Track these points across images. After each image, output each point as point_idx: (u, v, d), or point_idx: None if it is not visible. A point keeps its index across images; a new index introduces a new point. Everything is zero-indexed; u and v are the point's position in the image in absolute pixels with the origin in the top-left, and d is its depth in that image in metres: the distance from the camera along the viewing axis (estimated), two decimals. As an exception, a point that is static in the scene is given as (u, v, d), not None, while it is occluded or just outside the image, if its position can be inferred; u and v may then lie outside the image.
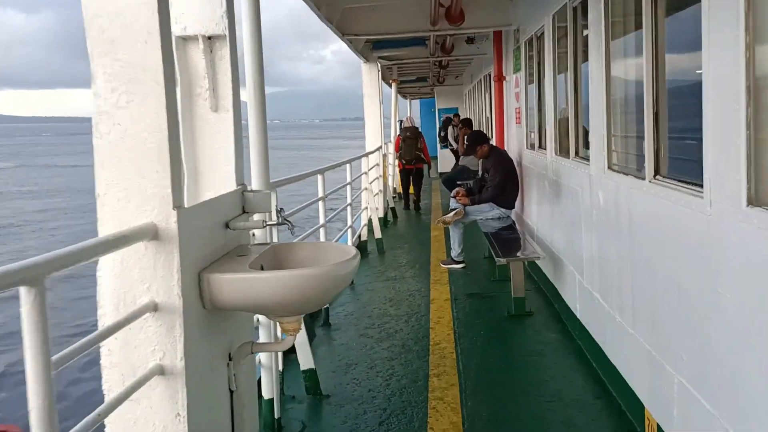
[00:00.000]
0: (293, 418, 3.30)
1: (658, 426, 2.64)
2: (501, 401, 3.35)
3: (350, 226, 6.23)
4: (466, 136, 10.43)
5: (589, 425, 3.03)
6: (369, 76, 9.53)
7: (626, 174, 2.97)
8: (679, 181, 2.42)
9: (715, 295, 2.10)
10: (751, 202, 1.80)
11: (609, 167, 3.25)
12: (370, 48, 8.92)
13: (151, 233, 1.82)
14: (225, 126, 2.54)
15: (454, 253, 6.43)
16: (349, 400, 3.48)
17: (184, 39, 2.51)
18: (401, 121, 12.36)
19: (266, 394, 3.12)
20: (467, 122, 10.76)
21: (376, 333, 4.60)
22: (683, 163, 2.58)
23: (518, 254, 4.86)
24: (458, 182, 9.65)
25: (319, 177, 4.84)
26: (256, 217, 2.79)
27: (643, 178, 2.72)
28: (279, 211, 2.33)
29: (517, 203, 6.46)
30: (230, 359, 2.23)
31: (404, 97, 23.02)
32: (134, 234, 1.78)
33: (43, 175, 41.23)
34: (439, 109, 18.74)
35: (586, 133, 4.00)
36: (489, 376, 3.72)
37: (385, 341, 4.42)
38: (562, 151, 4.63)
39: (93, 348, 1.66)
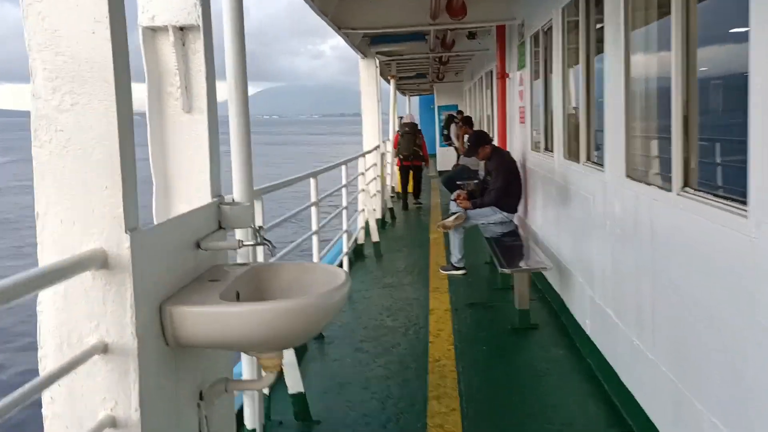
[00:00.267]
0: None
1: (685, 467, 2.36)
2: (506, 429, 3.07)
3: (345, 231, 5.94)
4: (467, 137, 10.17)
5: None
6: (367, 71, 9.21)
7: (648, 183, 2.68)
8: (715, 195, 2.13)
9: (758, 329, 1.82)
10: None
11: (627, 175, 2.96)
12: (367, 43, 8.61)
13: (99, 261, 1.53)
14: (199, 129, 2.24)
15: (454, 259, 6.14)
16: (341, 426, 3.20)
17: (153, 30, 2.21)
18: (401, 117, 12.27)
19: (249, 424, 2.84)
20: (468, 121, 10.45)
21: (372, 347, 4.32)
22: (718, 175, 2.29)
23: (523, 264, 4.57)
24: (458, 182, 9.40)
25: (312, 181, 4.54)
26: (239, 234, 2.51)
27: (670, 190, 2.43)
28: (257, 230, 2.04)
29: (520, 207, 6.17)
30: (201, 398, 1.94)
31: (403, 93, 22.69)
32: (79, 262, 1.49)
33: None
34: (438, 107, 18.43)
35: (598, 135, 3.72)
36: (493, 398, 3.44)
37: (381, 357, 4.13)
38: (572, 154, 4.34)
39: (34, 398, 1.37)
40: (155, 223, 2.04)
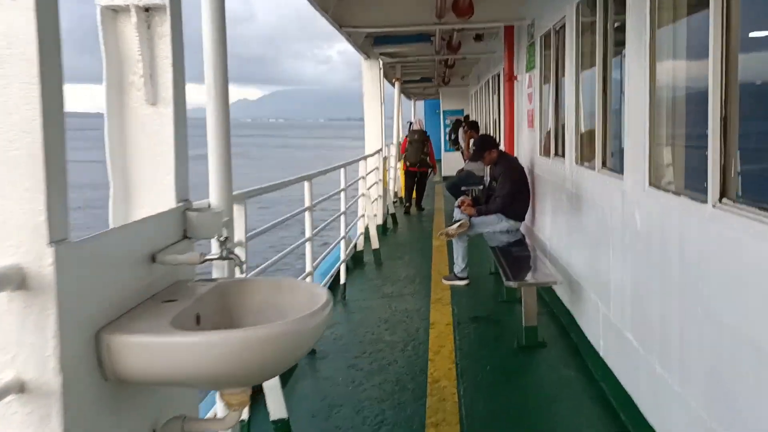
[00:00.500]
0: None
1: None
2: None
3: (343, 237, 5.64)
4: (472, 141, 9.87)
5: None
6: (370, 73, 8.92)
7: (677, 194, 2.38)
8: (760, 208, 1.82)
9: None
10: None
11: (651, 183, 2.66)
12: (370, 43, 8.33)
13: (15, 281, 1.23)
14: (165, 123, 1.95)
15: (457, 269, 5.83)
16: (328, 456, 2.90)
17: (114, 10, 1.93)
18: (410, 123, 12.25)
19: (223, 456, 2.53)
20: (473, 125, 10.15)
21: (366, 364, 4.01)
22: (764, 185, 1.99)
23: (531, 277, 4.26)
24: (463, 188, 9.08)
25: (306, 184, 4.24)
26: (215, 246, 2.21)
27: (704, 201, 2.12)
28: (223, 242, 1.74)
29: (528, 215, 5.86)
30: (154, 439, 1.64)
31: (408, 97, 22.41)
32: (-11, 282, 1.20)
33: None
34: (444, 111, 18.14)
35: (616, 139, 3.42)
36: (497, 426, 3.13)
37: (376, 375, 3.83)
38: (585, 160, 4.03)
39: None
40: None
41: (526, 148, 6.40)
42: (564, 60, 4.49)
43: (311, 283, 1.84)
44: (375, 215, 7.93)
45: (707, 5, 2.11)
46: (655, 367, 2.63)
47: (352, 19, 6.39)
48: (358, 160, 6.83)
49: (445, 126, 17.51)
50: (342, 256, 5.68)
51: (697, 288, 2.24)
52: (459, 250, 5.77)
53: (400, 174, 12.59)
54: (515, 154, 6.70)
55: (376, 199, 8.36)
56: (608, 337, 3.42)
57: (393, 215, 9.74)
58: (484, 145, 5.85)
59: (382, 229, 8.67)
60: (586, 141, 4.08)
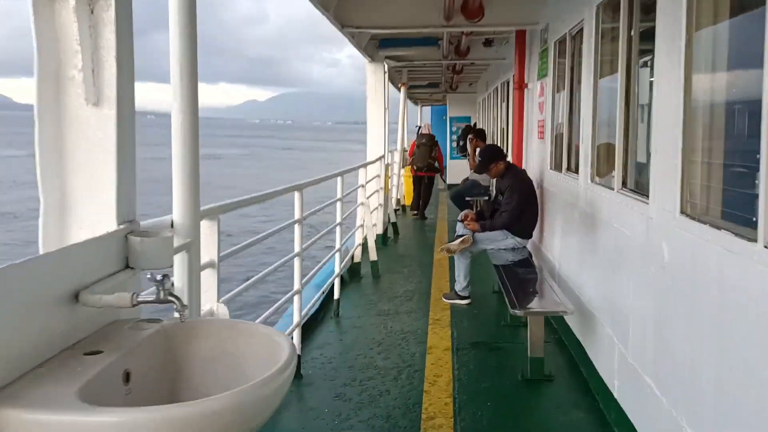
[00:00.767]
0: None
1: None
2: None
3: (338, 250, 5.29)
4: (478, 150, 9.50)
5: None
6: (374, 76, 8.58)
7: (717, 228, 2.02)
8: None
9: None
10: None
11: (683, 211, 2.30)
12: (375, 46, 8.00)
13: None
14: (107, 127, 1.62)
15: (458, 287, 5.48)
16: None
17: (49, -8, 1.60)
18: (419, 127, 12.20)
19: None
20: (480, 133, 9.77)
21: (356, 394, 3.66)
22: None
23: (538, 305, 3.90)
24: (467, 198, 8.72)
25: (296, 194, 3.90)
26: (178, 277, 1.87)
27: (753, 239, 1.77)
28: (159, 282, 1.40)
29: (535, 233, 5.50)
30: None
31: (415, 103, 22.11)
32: None
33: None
34: (450, 117, 17.80)
35: (639, 157, 3.07)
36: None
37: (365, 408, 3.48)
38: (602, 177, 3.68)
39: None
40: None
41: (535, 160, 6.05)
42: (580, 67, 4.14)
43: (271, 330, 1.50)
44: (374, 225, 7.59)
45: (762, 3, 1.77)
46: (681, 425, 2.27)
47: (355, 20, 6.06)
48: (357, 168, 6.49)
49: (452, 132, 17.17)
50: (336, 270, 5.33)
51: (740, 338, 1.88)
52: (461, 267, 5.42)
53: (404, 181, 12.26)
54: (523, 167, 6.35)
55: (377, 208, 8.02)
56: (624, 378, 3.06)
57: (394, 224, 9.38)
58: (491, 157, 5.50)
59: (382, 239, 8.33)
60: (602, 156, 3.73)
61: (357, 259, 6.70)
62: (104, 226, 1.62)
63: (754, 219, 1.78)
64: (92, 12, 1.60)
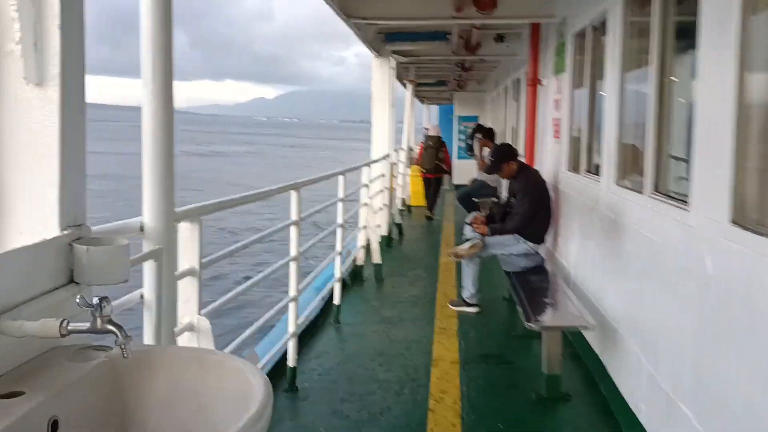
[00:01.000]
0: None
1: None
2: None
3: (339, 253, 4.99)
4: (486, 150, 9.17)
5: None
6: (380, 72, 8.25)
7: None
8: None
9: None
10: None
11: (734, 221, 1.99)
12: (382, 40, 7.68)
13: None
14: (51, 111, 1.33)
15: (466, 294, 5.17)
16: None
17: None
18: (427, 129, 12.26)
19: None
20: (489, 133, 9.40)
21: (355, 410, 3.37)
22: None
23: (554, 319, 3.59)
24: (474, 199, 8.40)
25: (293, 194, 3.60)
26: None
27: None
28: (97, 305, 1.10)
29: (548, 237, 5.19)
30: None
31: (421, 101, 21.77)
32: None
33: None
34: (458, 117, 17.45)
35: (675, 158, 2.76)
36: None
37: (365, 427, 3.19)
38: (629, 180, 3.37)
39: None
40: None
41: (549, 160, 5.73)
42: (603, 61, 3.83)
43: (245, 365, 1.20)
44: (378, 226, 7.28)
45: None
46: (730, 467, 1.96)
47: (361, 11, 5.75)
48: (360, 167, 6.18)
49: (460, 132, 16.83)
50: (337, 274, 5.03)
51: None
52: (469, 273, 5.12)
53: (411, 180, 11.96)
54: (536, 167, 6.03)
55: (381, 209, 7.72)
56: (654, 403, 2.75)
57: (399, 225, 9.07)
58: (503, 156, 5.19)
59: (387, 241, 8.02)
60: (629, 157, 3.42)
61: (360, 262, 6.40)
62: (50, 231, 1.33)
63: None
64: (35, -30, 1.31)
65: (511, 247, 5.01)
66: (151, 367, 1.22)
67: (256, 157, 53.50)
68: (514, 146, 5.64)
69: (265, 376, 1.15)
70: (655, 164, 2.88)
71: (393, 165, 8.83)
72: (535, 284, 4.29)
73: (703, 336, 2.23)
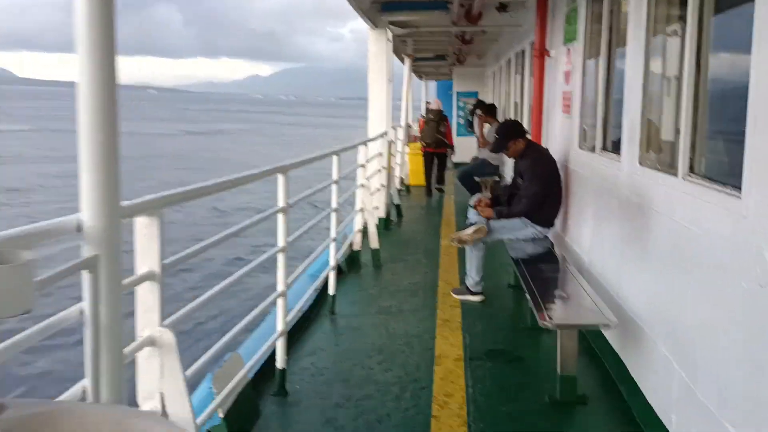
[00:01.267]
0: None
1: None
2: None
3: (334, 239, 4.64)
4: (487, 127, 8.75)
5: None
6: (377, 45, 7.80)
7: None
8: None
9: None
10: None
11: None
12: (378, 9, 7.23)
13: None
14: None
15: (470, 281, 4.84)
16: None
17: None
18: (428, 103, 11.86)
19: None
20: (490, 109, 8.96)
21: (349, 419, 3.05)
22: None
23: (572, 317, 3.24)
24: (476, 178, 8.02)
25: (280, 177, 3.23)
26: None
27: None
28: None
29: (558, 221, 4.84)
30: None
31: (419, 77, 21.22)
32: None
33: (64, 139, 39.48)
34: (457, 92, 16.97)
35: (719, 137, 2.38)
36: None
37: (361, 437, 2.87)
38: (658, 160, 2.99)
39: None
40: None
41: (558, 138, 5.34)
42: (626, 25, 3.42)
43: (173, 428, 0.84)
44: (376, 208, 6.91)
45: None
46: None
47: (354, -24, 5.31)
48: (356, 145, 5.78)
49: (460, 108, 16.37)
50: (332, 262, 4.68)
51: None
52: (473, 259, 4.77)
53: (410, 159, 11.56)
54: (544, 145, 5.65)
55: (378, 189, 7.34)
56: (688, 416, 2.42)
57: (398, 206, 8.71)
58: (509, 134, 4.80)
59: (385, 223, 7.67)
60: (655, 134, 3.05)
61: (357, 247, 6.05)
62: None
63: None
64: None
65: (518, 232, 4.66)
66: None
67: (255, 135, 52.87)
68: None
69: None
70: (691, 142, 2.51)
71: (391, 143, 8.43)
72: (545, 273, 3.95)
73: (759, 346, 1.89)
